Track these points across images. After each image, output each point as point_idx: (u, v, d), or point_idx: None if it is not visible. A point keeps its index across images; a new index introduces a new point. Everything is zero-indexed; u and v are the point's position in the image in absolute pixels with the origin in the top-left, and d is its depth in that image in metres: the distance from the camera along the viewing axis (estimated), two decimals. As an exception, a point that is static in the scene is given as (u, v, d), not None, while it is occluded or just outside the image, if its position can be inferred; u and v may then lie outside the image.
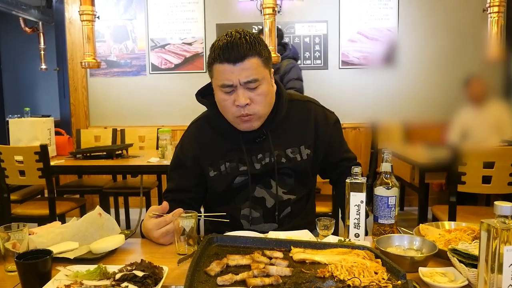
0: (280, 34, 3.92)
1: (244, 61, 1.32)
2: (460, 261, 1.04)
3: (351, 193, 1.27)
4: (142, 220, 1.38)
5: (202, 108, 1.57)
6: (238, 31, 1.36)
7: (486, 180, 2.44)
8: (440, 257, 1.13)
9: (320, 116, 1.55)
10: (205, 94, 1.53)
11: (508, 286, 0.88)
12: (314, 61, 4.52)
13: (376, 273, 1.01)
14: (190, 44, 4.60)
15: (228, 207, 1.51)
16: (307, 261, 1.11)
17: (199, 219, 1.30)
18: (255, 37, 1.36)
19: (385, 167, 1.30)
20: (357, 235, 1.28)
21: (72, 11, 4.68)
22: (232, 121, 1.43)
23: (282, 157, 1.49)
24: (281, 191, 1.50)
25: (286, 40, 4.10)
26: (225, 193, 1.51)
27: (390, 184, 1.28)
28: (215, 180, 1.50)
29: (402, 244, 1.19)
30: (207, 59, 1.41)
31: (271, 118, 1.47)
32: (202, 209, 1.64)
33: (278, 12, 4.20)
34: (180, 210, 1.26)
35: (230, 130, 1.47)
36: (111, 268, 1.06)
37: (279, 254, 1.14)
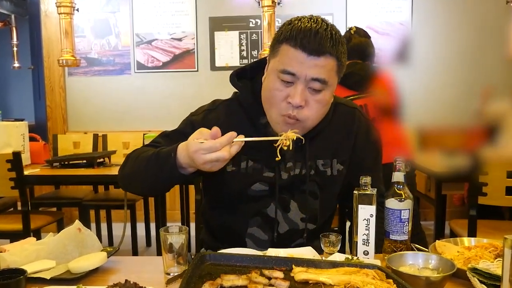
0: None
1: (320, 58, 1.25)
2: (481, 282, 1.04)
3: (359, 206, 1.27)
4: (178, 144, 1.24)
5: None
6: (324, 21, 1.29)
7: (511, 191, 2.44)
8: (458, 277, 1.13)
9: (362, 129, 1.49)
10: (240, 77, 1.45)
11: (534, 309, 0.89)
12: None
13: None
14: (180, 39, 4.62)
15: (233, 220, 1.46)
16: (310, 282, 1.11)
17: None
18: (340, 36, 1.29)
19: (397, 177, 1.30)
20: (366, 253, 1.28)
21: (48, 3, 4.70)
22: (272, 118, 1.35)
23: (312, 168, 1.43)
24: (300, 217, 1.44)
25: None
26: (233, 200, 1.45)
27: (403, 196, 1.29)
28: (230, 178, 1.41)
29: (417, 262, 1.19)
30: (276, 35, 1.32)
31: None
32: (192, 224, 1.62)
33: (278, 3, 4.23)
34: (233, 134, 1.16)
35: (265, 126, 1.39)
36: (92, 289, 1.07)
37: (279, 274, 1.14)
